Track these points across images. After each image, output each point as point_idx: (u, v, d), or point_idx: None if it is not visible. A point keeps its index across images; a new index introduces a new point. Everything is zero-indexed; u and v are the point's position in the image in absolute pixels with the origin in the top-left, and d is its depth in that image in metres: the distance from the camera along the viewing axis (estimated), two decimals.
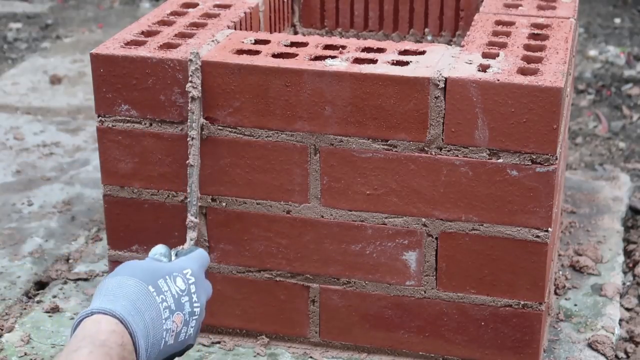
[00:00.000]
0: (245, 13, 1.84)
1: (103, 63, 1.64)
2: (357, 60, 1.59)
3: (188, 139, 1.58)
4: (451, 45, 1.76)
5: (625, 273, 2.09)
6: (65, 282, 1.98)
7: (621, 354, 1.83)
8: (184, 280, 1.29)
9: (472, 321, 1.65)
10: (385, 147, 1.57)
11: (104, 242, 2.13)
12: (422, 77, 1.52)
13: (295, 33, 2.18)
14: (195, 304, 1.30)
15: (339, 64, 1.57)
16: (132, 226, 1.74)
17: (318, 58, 1.60)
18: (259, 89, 1.59)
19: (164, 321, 1.22)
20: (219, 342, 1.77)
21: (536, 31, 1.72)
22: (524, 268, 1.59)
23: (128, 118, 1.66)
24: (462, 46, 1.64)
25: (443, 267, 1.63)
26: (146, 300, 1.20)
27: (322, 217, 1.65)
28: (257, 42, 1.68)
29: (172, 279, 1.27)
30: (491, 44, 1.66)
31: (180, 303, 1.27)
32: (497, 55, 1.59)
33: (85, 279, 1.99)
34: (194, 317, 1.30)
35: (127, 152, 1.68)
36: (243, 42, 1.68)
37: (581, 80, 3.43)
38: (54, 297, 1.93)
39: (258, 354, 1.74)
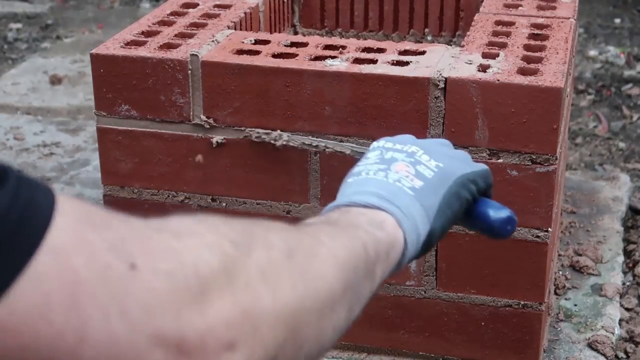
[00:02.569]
0: (245, 13, 1.84)
1: (103, 63, 1.64)
2: (357, 61, 1.59)
3: None
4: (451, 45, 1.76)
5: (625, 273, 2.09)
6: None
7: (621, 354, 1.83)
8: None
9: (472, 321, 1.65)
10: None
11: None
12: (422, 77, 1.52)
13: (295, 33, 2.18)
14: (404, 147, 1.00)
15: (339, 64, 1.57)
16: None
17: (318, 58, 1.60)
18: (259, 89, 1.59)
19: (384, 178, 0.94)
20: None
21: (536, 31, 1.72)
22: (524, 268, 1.59)
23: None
24: (462, 46, 1.64)
25: (443, 267, 1.63)
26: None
27: None
28: (257, 42, 1.68)
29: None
30: (491, 44, 1.66)
31: (387, 159, 0.98)
32: (497, 55, 1.59)
33: None
34: (417, 153, 0.98)
35: (127, 152, 1.68)
36: (243, 42, 1.68)
37: (581, 80, 3.43)
38: None
39: None
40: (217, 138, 1.63)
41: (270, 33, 1.94)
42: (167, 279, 0.59)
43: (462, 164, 1.00)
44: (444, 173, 0.96)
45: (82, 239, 0.57)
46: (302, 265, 0.71)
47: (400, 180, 0.92)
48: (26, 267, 0.55)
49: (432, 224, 0.91)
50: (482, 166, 1.03)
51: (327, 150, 1.56)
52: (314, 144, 1.57)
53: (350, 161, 1.60)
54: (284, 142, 1.59)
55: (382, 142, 1.02)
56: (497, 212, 1.00)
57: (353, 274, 0.77)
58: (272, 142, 1.60)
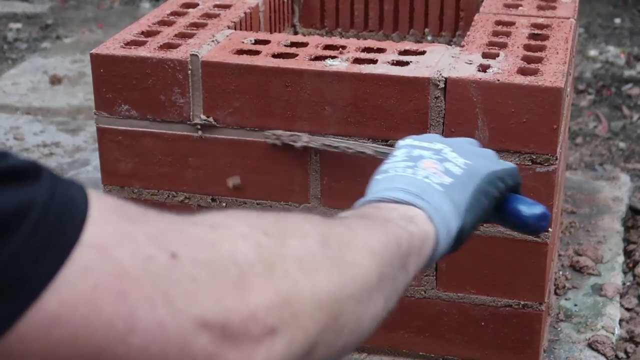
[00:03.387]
0: (245, 13, 1.84)
1: (103, 63, 1.64)
2: (357, 61, 1.59)
3: None
4: (451, 45, 1.76)
5: (625, 273, 2.09)
6: None
7: (621, 354, 1.83)
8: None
9: (472, 321, 1.65)
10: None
11: None
12: (422, 77, 1.52)
13: (295, 33, 2.18)
14: (431, 145, 1.01)
15: (339, 64, 1.57)
16: None
17: (318, 58, 1.60)
18: (259, 89, 1.59)
19: (413, 175, 0.95)
20: None
21: (536, 31, 1.72)
22: (524, 268, 1.59)
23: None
24: (462, 46, 1.64)
25: (443, 267, 1.63)
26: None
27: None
28: (257, 42, 1.68)
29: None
30: (491, 44, 1.66)
31: (414, 156, 0.99)
32: (497, 55, 1.59)
33: None
34: (444, 150, 0.99)
35: (127, 152, 1.68)
36: (243, 42, 1.68)
37: (581, 80, 3.43)
38: None
39: None
40: (216, 138, 1.63)
41: (270, 33, 1.94)
42: (206, 268, 0.62)
43: (490, 161, 1.01)
44: (472, 170, 0.97)
45: (122, 232, 0.61)
46: (337, 253, 0.73)
47: (429, 177, 0.94)
48: (68, 261, 0.57)
49: (463, 219, 0.93)
50: (509, 164, 1.04)
51: (348, 151, 1.54)
52: (334, 145, 1.55)
53: (352, 163, 1.60)
54: (304, 144, 1.57)
55: (408, 141, 1.03)
56: (530, 208, 1.00)
57: (388, 264, 0.79)
58: (292, 143, 1.58)
